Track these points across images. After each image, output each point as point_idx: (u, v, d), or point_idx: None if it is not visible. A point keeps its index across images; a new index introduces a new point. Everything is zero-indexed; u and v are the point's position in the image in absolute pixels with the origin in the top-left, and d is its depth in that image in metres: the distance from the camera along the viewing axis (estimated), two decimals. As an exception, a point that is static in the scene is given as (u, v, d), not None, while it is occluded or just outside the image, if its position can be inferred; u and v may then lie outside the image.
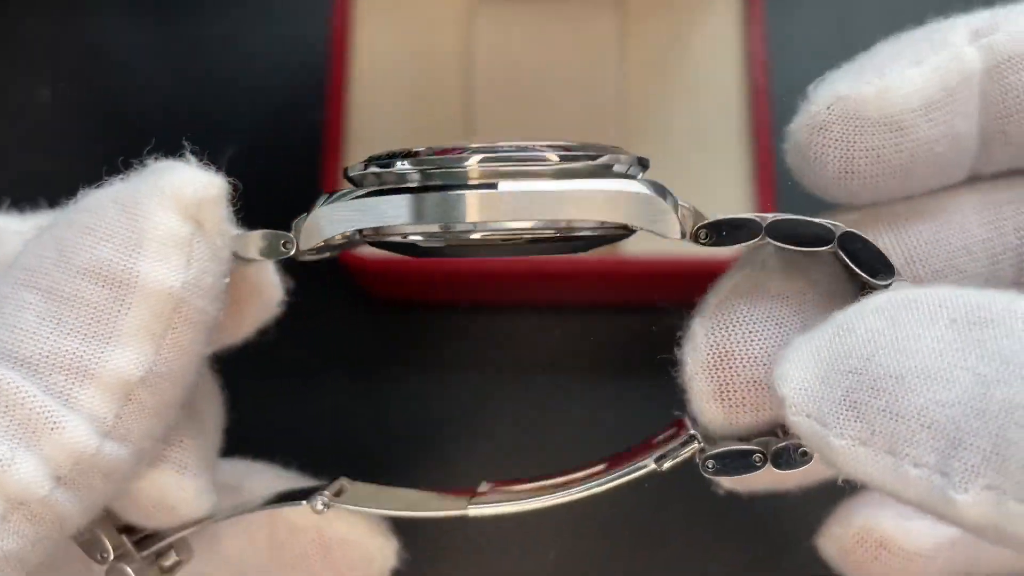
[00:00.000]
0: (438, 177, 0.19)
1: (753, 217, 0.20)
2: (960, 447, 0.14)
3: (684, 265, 0.35)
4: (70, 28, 0.42)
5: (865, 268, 0.19)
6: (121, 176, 0.21)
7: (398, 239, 0.19)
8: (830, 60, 0.43)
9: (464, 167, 0.18)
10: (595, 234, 0.20)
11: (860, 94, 0.19)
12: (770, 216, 0.20)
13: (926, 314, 0.16)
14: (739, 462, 0.20)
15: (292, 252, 0.20)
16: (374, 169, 0.19)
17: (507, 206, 0.18)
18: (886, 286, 0.18)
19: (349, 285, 0.38)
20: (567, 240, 0.20)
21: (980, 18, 0.20)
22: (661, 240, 0.36)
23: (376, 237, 0.20)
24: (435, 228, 0.19)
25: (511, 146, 0.19)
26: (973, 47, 0.19)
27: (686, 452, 0.20)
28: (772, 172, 0.35)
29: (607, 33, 0.37)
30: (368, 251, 0.35)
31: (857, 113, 0.19)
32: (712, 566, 0.35)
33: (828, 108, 0.19)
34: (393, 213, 0.19)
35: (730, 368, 0.20)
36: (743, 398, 0.20)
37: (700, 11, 0.38)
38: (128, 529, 0.22)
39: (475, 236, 0.19)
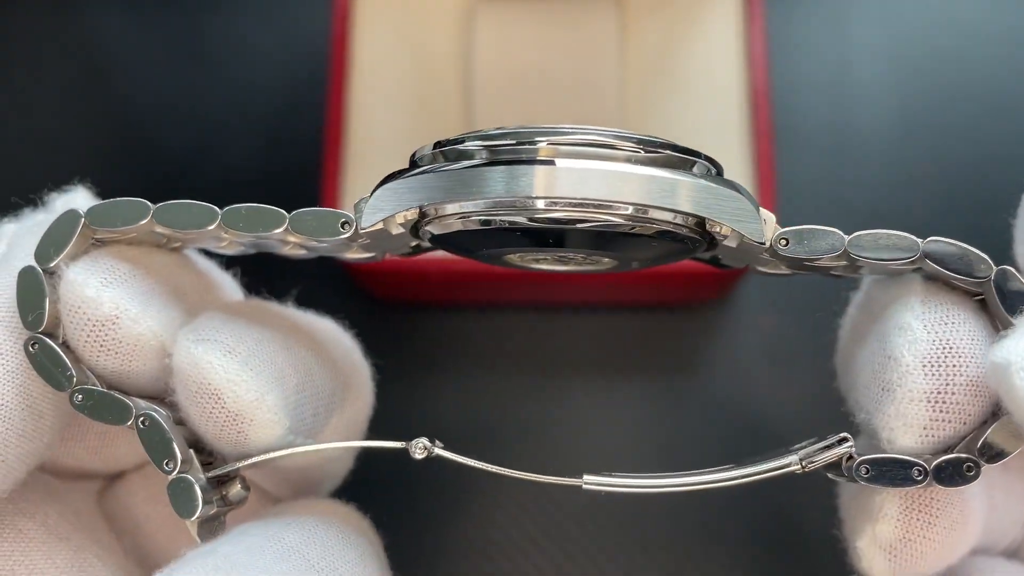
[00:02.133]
0: (509, 153, 0.18)
1: (835, 231, 0.19)
2: None
3: (684, 265, 0.35)
4: (70, 28, 0.42)
5: (1009, 308, 0.19)
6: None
7: (458, 224, 0.18)
8: (830, 60, 0.43)
9: (536, 146, 0.18)
10: (670, 232, 0.19)
11: None
12: (920, 242, 0.19)
13: None
14: (897, 472, 0.19)
15: (349, 234, 0.19)
16: (440, 150, 0.19)
17: (586, 181, 0.17)
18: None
19: (349, 285, 0.38)
20: (638, 240, 0.19)
21: None
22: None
23: (437, 221, 0.19)
24: (502, 201, 0.18)
25: (579, 130, 0.18)
26: None
27: (834, 453, 0.19)
28: (772, 172, 0.35)
29: (607, 33, 0.37)
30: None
31: None
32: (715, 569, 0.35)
33: None
34: (466, 187, 0.18)
35: (954, 364, 0.18)
36: (959, 402, 0.18)
37: (700, 11, 0.38)
38: (197, 448, 0.20)
39: (549, 214, 0.18)
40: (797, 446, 0.19)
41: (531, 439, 0.37)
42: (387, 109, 0.37)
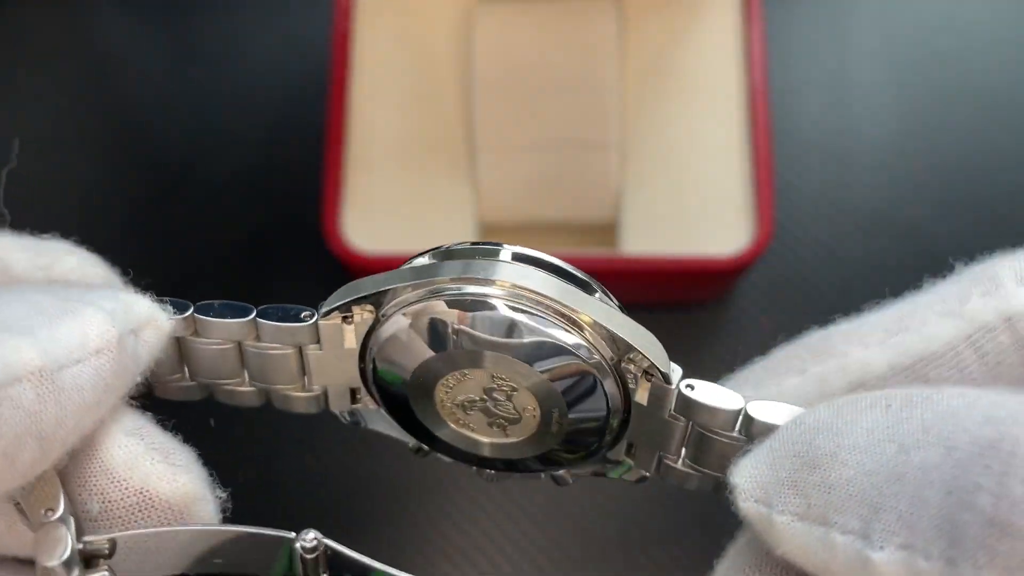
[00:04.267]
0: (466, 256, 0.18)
1: (737, 396, 0.18)
2: (880, 511, 0.15)
3: (684, 265, 0.35)
4: (71, 29, 0.43)
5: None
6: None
7: (398, 318, 0.18)
8: (828, 61, 0.43)
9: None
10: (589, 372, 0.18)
11: None
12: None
13: (867, 403, 0.16)
14: None
15: (308, 323, 0.19)
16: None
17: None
18: None
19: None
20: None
21: (888, 317, 0.20)
22: (661, 240, 0.36)
23: (382, 322, 0.19)
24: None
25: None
26: (881, 349, 0.19)
27: None
28: (771, 171, 0.35)
29: (607, 33, 0.37)
30: (367, 250, 0.35)
31: None
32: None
33: None
34: (416, 276, 0.18)
35: None
36: None
37: (699, 12, 0.38)
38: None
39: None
40: None
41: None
42: (387, 109, 0.37)
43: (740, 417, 0.18)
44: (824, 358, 0.20)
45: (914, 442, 0.15)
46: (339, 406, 0.21)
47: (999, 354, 0.19)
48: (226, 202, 0.40)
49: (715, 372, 0.38)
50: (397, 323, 0.18)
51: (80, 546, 0.18)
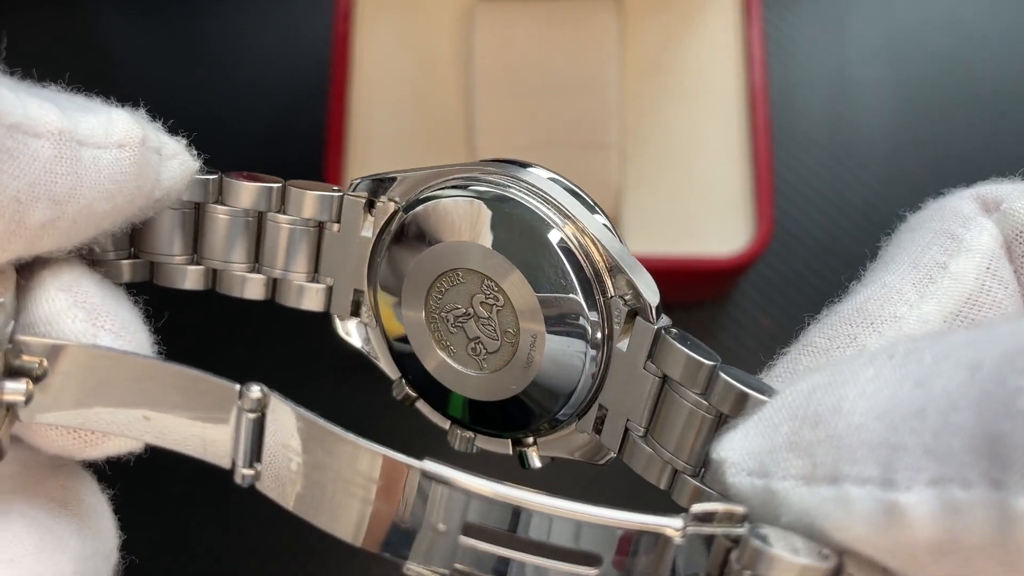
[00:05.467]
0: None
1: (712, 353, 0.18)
2: (901, 450, 0.13)
3: (684, 264, 0.35)
4: (72, 28, 0.43)
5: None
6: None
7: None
8: (828, 60, 0.43)
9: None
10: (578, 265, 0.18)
11: None
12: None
13: (866, 358, 0.15)
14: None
15: (337, 194, 0.20)
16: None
17: None
18: None
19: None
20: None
21: (910, 274, 0.19)
22: (661, 240, 0.36)
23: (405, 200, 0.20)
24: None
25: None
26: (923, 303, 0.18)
27: (723, 531, 0.15)
28: (770, 170, 0.35)
29: (607, 33, 0.37)
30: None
31: None
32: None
33: None
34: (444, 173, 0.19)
35: None
36: None
37: (699, 12, 0.38)
38: None
39: None
40: (696, 510, 0.16)
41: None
42: (387, 109, 0.37)
43: (709, 376, 0.17)
44: (877, 327, 0.18)
45: (930, 374, 0.13)
46: (339, 309, 0.21)
47: (1010, 282, 0.18)
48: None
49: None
50: (412, 213, 0.19)
51: (10, 346, 0.17)
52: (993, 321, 0.14)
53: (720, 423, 0.17)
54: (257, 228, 0.20)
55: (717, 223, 0.36)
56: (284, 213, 0.20)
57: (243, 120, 0.41)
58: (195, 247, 0.20)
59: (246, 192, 0.20)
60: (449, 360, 0.19)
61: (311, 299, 0.21)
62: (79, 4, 0.43)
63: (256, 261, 0.21)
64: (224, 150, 0.41)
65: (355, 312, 0.21)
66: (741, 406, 0.16)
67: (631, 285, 0.18)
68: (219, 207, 0.20)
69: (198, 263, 0.20)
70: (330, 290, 0.21)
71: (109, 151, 0.17)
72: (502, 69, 0.37)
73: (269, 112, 0.41)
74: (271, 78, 0.42)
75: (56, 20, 0.43)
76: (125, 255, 0.20)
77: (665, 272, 0.35)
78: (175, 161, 0.19)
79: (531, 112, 0.37)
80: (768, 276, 0.39)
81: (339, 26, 0.37)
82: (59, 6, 0.43)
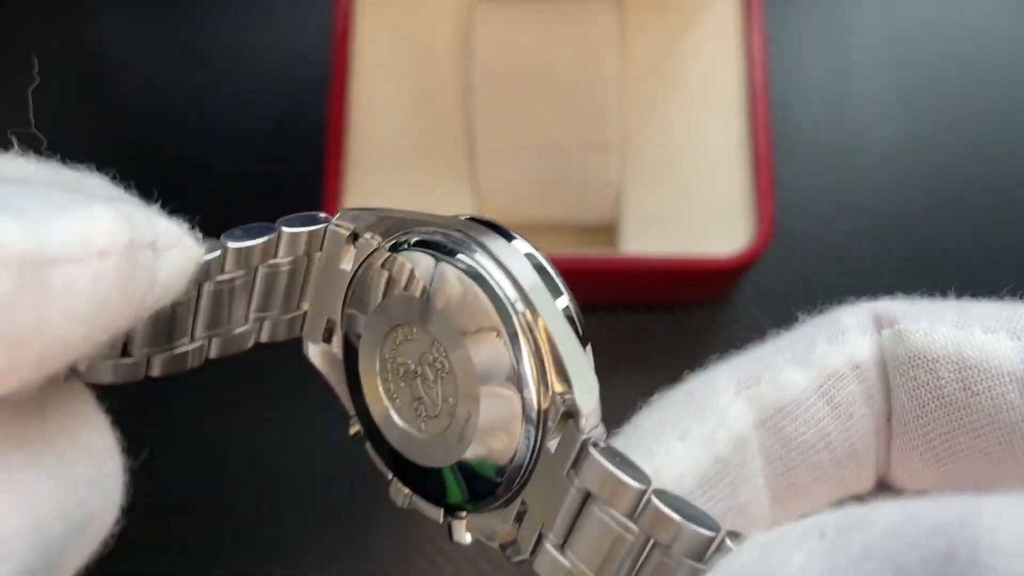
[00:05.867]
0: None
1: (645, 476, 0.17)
2: None
3: (684, 265, 0.35)
4: (69, 28, 0.43)
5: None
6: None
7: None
8: (829, 61, 0.43)
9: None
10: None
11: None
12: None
13: (798, 536, 0.14)
14: None
15: (321, 226, 0.19)
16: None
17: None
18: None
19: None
20: None
21: (742, 368, 0.18)
22: (661, 241, 0.36)
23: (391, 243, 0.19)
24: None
25: None
26: (740, 401, 0.18)
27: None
28: (771, 171, 0.35)
29: (607, 33, 0.37)
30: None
31: None
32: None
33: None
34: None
35: None
36: None
37: (700, 11, 0.38)
38: None
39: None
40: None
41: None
42: (387, 109, 0.37)
43: (641, 501, 0.16)
44: (700, 415, 0.18)
45: (858, 570, 0.13)
46: (311, 334, 0.20)
47: (850, 404, 0.18)
48: (225, 202, 0.40)
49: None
50: (384, 254, 0.18)
51: None
52: (921, 506, 0.13)
53: (650, 549, 0.16)
54: (252, 279, 0.19)
55: (717, 223, 0.36)
56: (278, 257, 0.19)
57: (242, 120, 0.41)
58: (193, 327, 0.18)
59: (249, 254, 0.18)
60: (393, 413, 0.19)
61: (287, 327, 0.20)
62: (78, 4, 0.43)
63: (260, 311, 0.19)
64: (223, 150, 0.41)
65: (327, 339, 0.20)
66: (677, 537, 0.15)
67: (569, 384, 0.17)
68: (222, 277, 0.18)
69: (195, 340, 0.18)
70: (305, 315, 0.20)
71: (87, 265, 0.14)
72: (502, 69, 0.37)
73: (268, 112, 0.41)
74: (270, 78, 0.42)
75: (55, 20, 0.43)
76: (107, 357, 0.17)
77: (665, 272, 0.35)
78: (174, 252, 0.16)
79: (531, 112, 0.37)
80: (768, 276, 0.39)
81: (338, 26, 0.37)
82: (59, 6, 0.43)
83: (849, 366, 0.18)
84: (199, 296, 0.18)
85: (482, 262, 0.17)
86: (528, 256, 0.18)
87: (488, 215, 0.18)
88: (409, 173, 0.37)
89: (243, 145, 0.41)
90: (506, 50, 0.37)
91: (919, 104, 0.41)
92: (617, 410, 0.41)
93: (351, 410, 0.20)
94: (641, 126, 0.37)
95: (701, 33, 0.38)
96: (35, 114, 0.46)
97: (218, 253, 0.18)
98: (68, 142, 0.41)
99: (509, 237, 0.18)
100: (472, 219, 0.18)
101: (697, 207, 0.36)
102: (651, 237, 0.36)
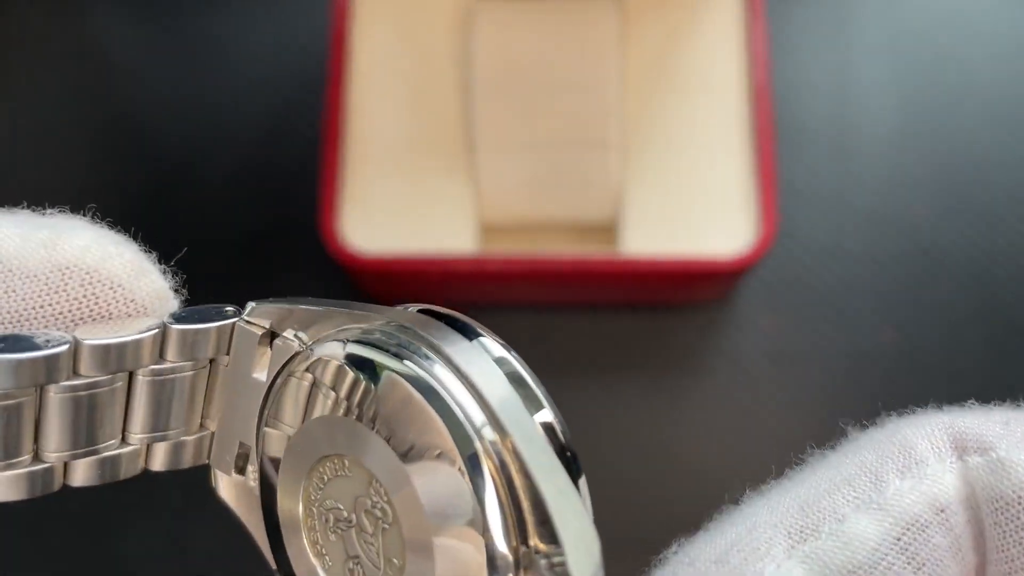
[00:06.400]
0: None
1: None
2: None
3: (685, 265, 0.35)
4: (70, 28, 0.42)
5: None
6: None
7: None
8: (831, 60, 0.43)
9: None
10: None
11: None
12: None
13: None
14: None
15: (229, 320, 0.15)
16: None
17: None
18: None
19: (346, 285, 0.38)
20: None
21: (790, 513, 0.14)
22: (662, 241, 0.36)
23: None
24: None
25: None
26: (795, 564, 0.14)
27: None
28: (773, 171, 0.35)
29: (607, 33, 0.37)
30: (366, 250, 0.35)
31: None
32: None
33: None
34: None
35: None
36: None
37: (701, 11, 0.38)
38: None
39: None
40: None
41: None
42: (387, 109, 0.37)
43: None
44: None
45: None
46: (220, 463, 0.16)
47: (936, 563, 0.14)
48: (224, 202, 0.40)
49: (716, 372, 0.38)
50: (309, 358, 0.14)
51: None
52: None
53: None
54: (128, 387, 0.15)
55: (719, 223, 0.36)
56: (166, 360, 0.15)
57: (241, 120, 0.41)
58: (30, 441, 0.14)
59: (120, 354, 0.14)
60: (322, 574, 0.15)
61: (193, 451, 0.16)
62: (78, 4, 0.43)
63: (147, 431, 0.15)
64: (221, 150, 0.41)
65: (240, 470, 0.16)
66: None
67: (556, 540, 0.12)
68: (71, 382, 0.14)
69: (35, 461, 0.15)
70: (212, 436, 0.16)
71: None
72: (502, 68, 0.37)
73: (267, 112, 0.41)
74: (269, 78, 0.42)
75: (55, 21, 0.43)
76: None
77: (666, 273, 0.35)
78: None
79: (531, 111, 0.37)
80: (770, 276, 0.39)
81: (337, 26, 0.37)
82: (58, 6, 0.43)
83: (932, 511, 0.14)
84: (42, 404, 0.14)
85: (436, 371, 0.13)
86: (499, 361, 0.13)
87: (443, 308, 0.14)
88: (408, 173, 0.37)
89: (241, 145, 0.41)
90: (506, 49, 0.37)
91: (922, 103, 0.41)
92: (617, 413, 0.41)
93: (271, 563, 0.16)
94: (642, 125, 0.37)
95: (703, 31, 0.38)
96: (35, 114, 0.47)
97: (65, 348, 0.14)
98: (68, 142, 0.41)
99: (472, 335, 0.14)
100: (425, 311, 0.14)
101: (698, 207, 0.36)
102: (652, 237, 0.36)
